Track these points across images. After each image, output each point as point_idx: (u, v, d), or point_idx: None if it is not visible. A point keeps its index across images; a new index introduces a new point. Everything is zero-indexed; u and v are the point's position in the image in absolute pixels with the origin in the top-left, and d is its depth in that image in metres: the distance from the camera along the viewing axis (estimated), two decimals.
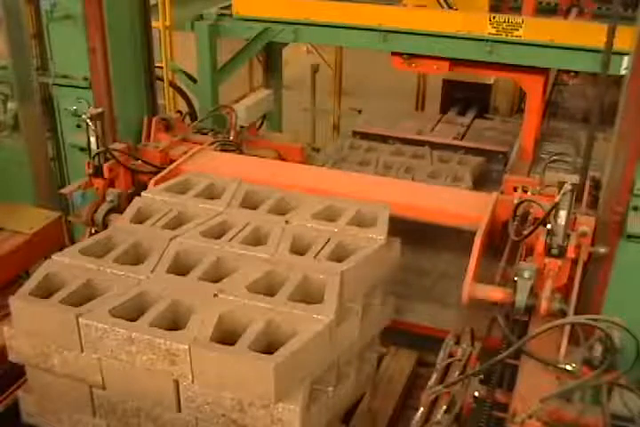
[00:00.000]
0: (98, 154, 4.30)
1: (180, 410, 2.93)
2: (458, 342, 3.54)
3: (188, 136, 4.93)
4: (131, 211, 3.66)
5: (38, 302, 2.99)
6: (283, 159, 5.03)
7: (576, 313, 3.27)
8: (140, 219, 3.61)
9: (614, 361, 2.90)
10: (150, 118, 4.81)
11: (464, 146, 6.03)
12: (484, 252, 3.55)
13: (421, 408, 3.16)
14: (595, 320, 2.92)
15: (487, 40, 5.62)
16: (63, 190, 4.56)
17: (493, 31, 5.60)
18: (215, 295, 3.01)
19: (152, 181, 4.12)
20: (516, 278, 3.31)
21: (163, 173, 4.24)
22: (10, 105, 5.30)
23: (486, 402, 3.18)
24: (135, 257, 3.33)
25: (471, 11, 5.80)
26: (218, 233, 3.46)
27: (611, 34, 3.38)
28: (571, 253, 3.34)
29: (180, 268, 3.24)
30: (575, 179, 3.20)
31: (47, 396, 3.22)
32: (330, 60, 9.31)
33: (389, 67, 6.20)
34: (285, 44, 7.03)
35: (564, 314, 3.26)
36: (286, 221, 3.54)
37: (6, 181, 5.15)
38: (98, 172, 4.34)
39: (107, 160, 4.34)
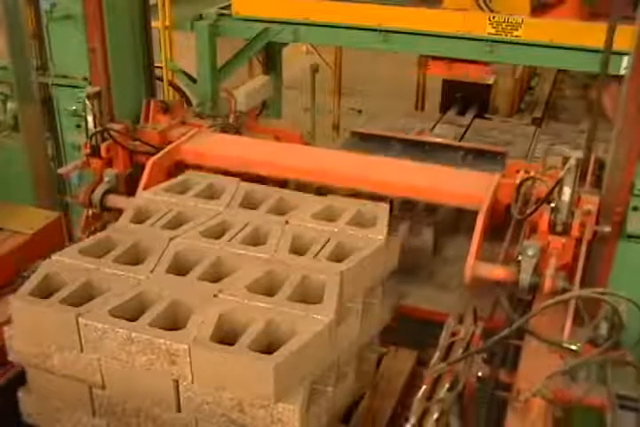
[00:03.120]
0: (95, 133, 4.21)
1: (179, 410, 2.93)
2: (461, 322, 3.47)
3: (186, 120, 4.84)
4: (130, 211, 3.66)
5: (38, 302, 2.99)
6: None
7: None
8: (139, 219, 3.61)
9: (620, 338, 2.85)
10: (149, 101, 4.73)
11: (467, 147, 5.76)
12: (486, 234, 3.50)
13: (424, 386, 3.06)
14: (602, 294, 2.85)
15: (487, 40, 5.62)
16: (60, 170, 4.49)
17: (493, 31, 5.59)
18: (215, 295, 3.01)
19: (150, 161, 4.05)
20: (519, 258, 3.26)
21: (161, 153, 4.15)
22: (10, 105, 5.30)
23: (489, 381, 3.12)
24: (135, 257, 3.33)
25: (512, 13, 5.70)
26: (217, 233, 3.46)
27: (610, 34, 3.38)
28: (575, 231, 3.28)
29: (179, 268, 3.24)
30: (579, 154, 3.16)
31: (47, 396, 3.22)
32: (330, 60, 9.31)
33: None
34: (285, 44, 7.03)
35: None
36: (286, 222, 3.54)
37: (6, 181, 5.16)
38: (95, 152, 4.25)
39: (104, 141, 4.26)
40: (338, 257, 3.28)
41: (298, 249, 3.34)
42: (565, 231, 3.29)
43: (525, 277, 3.25)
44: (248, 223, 3.52)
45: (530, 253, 3.24)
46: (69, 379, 3.07)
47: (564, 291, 3.23)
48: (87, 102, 4.14)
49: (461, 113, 7.96)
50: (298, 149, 4.61)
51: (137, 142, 4.48)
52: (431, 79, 9.01)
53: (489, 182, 3.82)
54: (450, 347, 3.31)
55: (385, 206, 3.65)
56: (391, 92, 10.39)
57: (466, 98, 8.19)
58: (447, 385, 3.04)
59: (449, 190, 3.92)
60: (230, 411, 2.82)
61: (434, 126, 7.15)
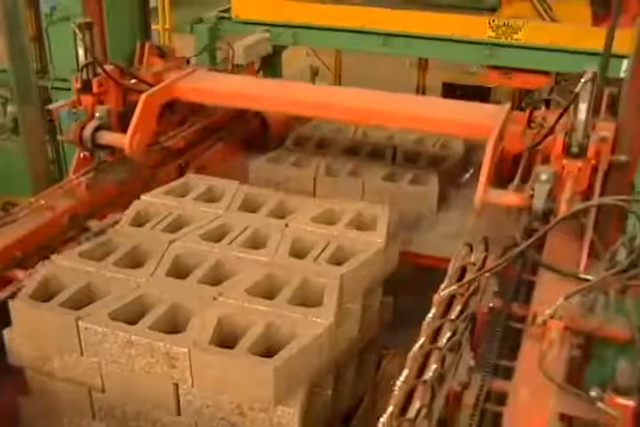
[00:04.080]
0: (86, 65, 3.98)
1: (179, 413, 2.93)
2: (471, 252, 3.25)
3: (182, 66, 4.70)
4: (130, 214, 3.66)
5: (38, 305, 2.99)
6: None
7: (595, 231, 3.07)
8: (139, 222, 3.61)
9: None
10: (143, 43, 4.58)
11: None
12: (495, 169, 3.36)
13: (433, 309, 2.81)
14: (625, 202, 2.67)
15: (487, 43, 5.63)
16: (50, 106, 4.31)
17: (493, 34, 5.61)
18: (215, 298, 3.01)
19: (143, 96, 3.89)
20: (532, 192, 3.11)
21: (156, 89, 3.98)
22: (10, 108, 5.33)
23: (502, 313, 2.92)
24: (134, 260, 3.33)
25: (574, 22, 5.65)
26: (217, 236, 3.47)
27: (610, 37, 3.39)
28: (591, 156, 3.11)
29: (179, 271, 3.24)
30: (595, 69, 3.01)
31: (47, 399, 3.21)
32: (329, 63, 9.32)
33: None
34: (285, 47, 7.05)
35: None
36: (286, 225, 3.54)
37: (6, 184, 5.17)
38: (86, 87, 4.01)
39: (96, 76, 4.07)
40: (338, 260, 3.29)
41: (298, 252, 3.35)
42: (582, 152, 3.09)
43: (539, 203, 3.05)
44: (248, 226, 3.52)
45: (543, 177, 3.06)
46: (69, 382, 3.07)
47: None
48: (77, 32, 3.90)
49: None
50: (299, 86, 4.47)
51: (130, 82, 4.24)
52: (431, 81, 9.00)
53: (498, 112, 3.68)
54: (461, 274, 3.10)
55: (385, 209, 3.64)
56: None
57: (466, 98, 8.17)
58: (459, 307, 2.81)
59: (458, 121, 3.80)
60: (230, 414, 2.82)
61: None
